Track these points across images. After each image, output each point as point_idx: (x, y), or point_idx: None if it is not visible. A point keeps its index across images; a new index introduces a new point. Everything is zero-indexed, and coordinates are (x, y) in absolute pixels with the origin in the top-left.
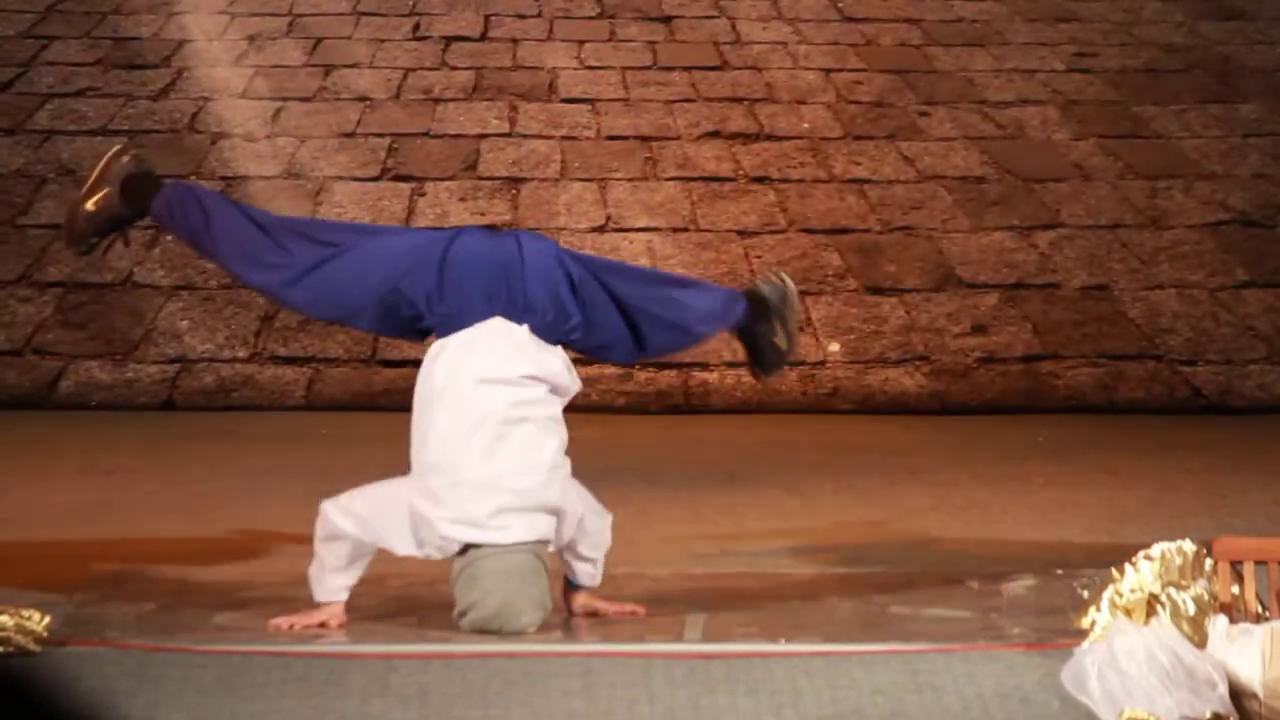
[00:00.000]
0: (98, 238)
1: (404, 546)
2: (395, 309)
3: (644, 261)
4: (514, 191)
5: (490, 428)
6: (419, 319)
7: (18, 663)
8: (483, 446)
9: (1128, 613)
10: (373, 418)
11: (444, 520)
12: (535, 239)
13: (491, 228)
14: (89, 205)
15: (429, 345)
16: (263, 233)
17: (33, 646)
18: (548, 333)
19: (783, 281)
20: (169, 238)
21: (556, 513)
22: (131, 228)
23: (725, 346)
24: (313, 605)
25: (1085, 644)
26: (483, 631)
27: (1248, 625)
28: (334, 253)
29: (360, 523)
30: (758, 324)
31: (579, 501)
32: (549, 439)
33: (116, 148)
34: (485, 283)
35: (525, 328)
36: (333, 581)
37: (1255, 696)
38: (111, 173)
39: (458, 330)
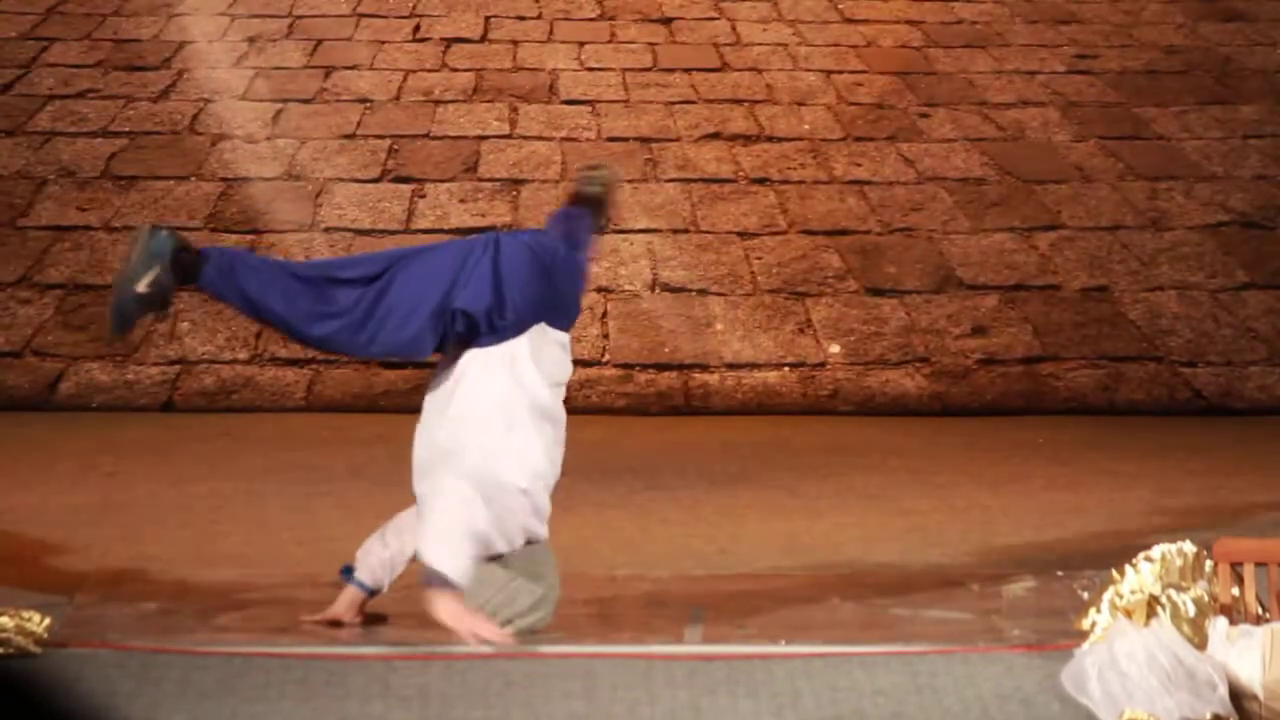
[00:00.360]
0: (144, 316)
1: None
2: (449, 328)
3: (644, 264)
4: (514, 193)
5: (560, 429)
6: (471, 334)
7: (18, 664)
8: (556, 448)
9: (1128, 614)
10: (373, 419)
11: (535, 522)
12: (548, 240)
13: (492, 229)
14: (141, 288)
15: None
16: (307, 286)
17: (33, 648)
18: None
19: (599, 170)
20: None
21: None
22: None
23: (725, 348)
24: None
25: (1085, 645)
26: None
27: (1248, 627)
28: (380, 289)
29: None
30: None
31: None
32: None
33: (149, 226)
34: (537, 293)
35: (562, 330)
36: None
37: (1255, 698)
38: (154, 249)
39: (508, 340)
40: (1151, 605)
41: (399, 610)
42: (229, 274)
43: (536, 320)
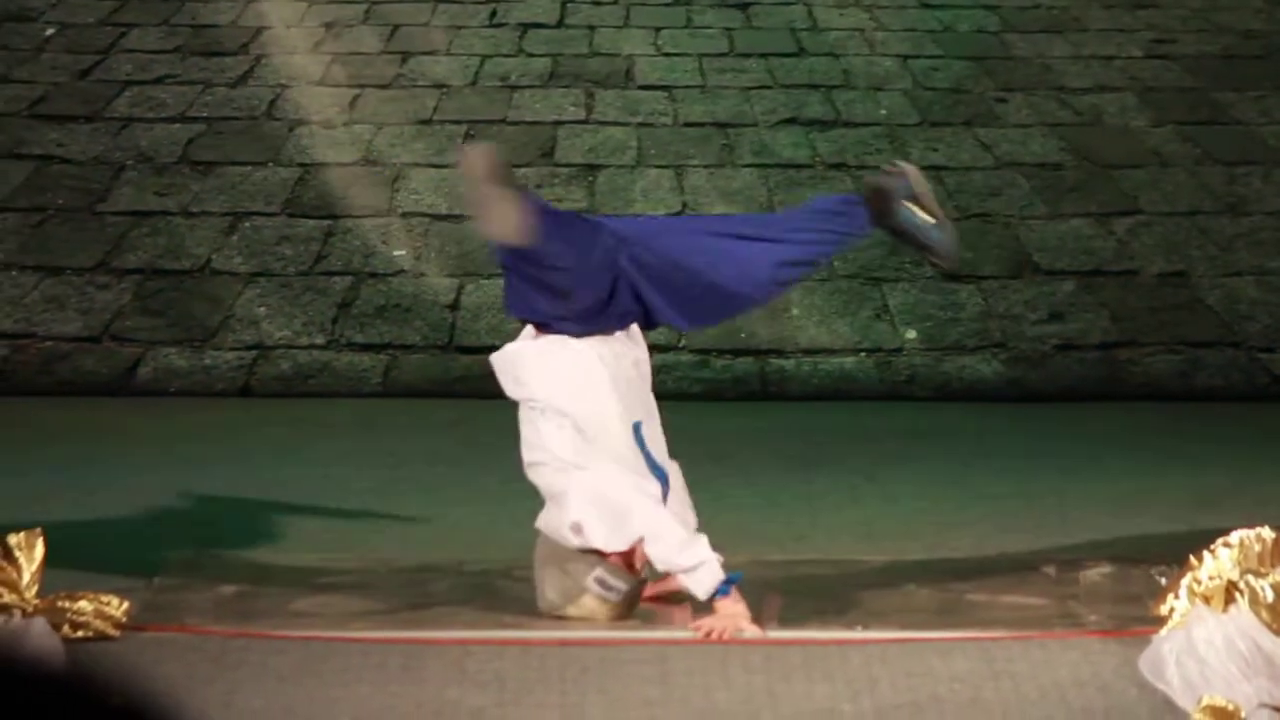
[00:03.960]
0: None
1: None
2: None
3: None
4: (590, 179)
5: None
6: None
7: (97, 648)
8: None
9: (1206, 600)
10: (449, 404)
11: None
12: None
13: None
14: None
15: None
16: None
17: (112, 631)
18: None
19: (898, 168)
20: (247, 224)
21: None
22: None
23: (801, 333)
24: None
25: (1163, 631)
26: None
27: None
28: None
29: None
30: (889, 219)
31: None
32: None
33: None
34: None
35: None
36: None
37: None
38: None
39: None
40: (1230, 591)
41: (475, 595)
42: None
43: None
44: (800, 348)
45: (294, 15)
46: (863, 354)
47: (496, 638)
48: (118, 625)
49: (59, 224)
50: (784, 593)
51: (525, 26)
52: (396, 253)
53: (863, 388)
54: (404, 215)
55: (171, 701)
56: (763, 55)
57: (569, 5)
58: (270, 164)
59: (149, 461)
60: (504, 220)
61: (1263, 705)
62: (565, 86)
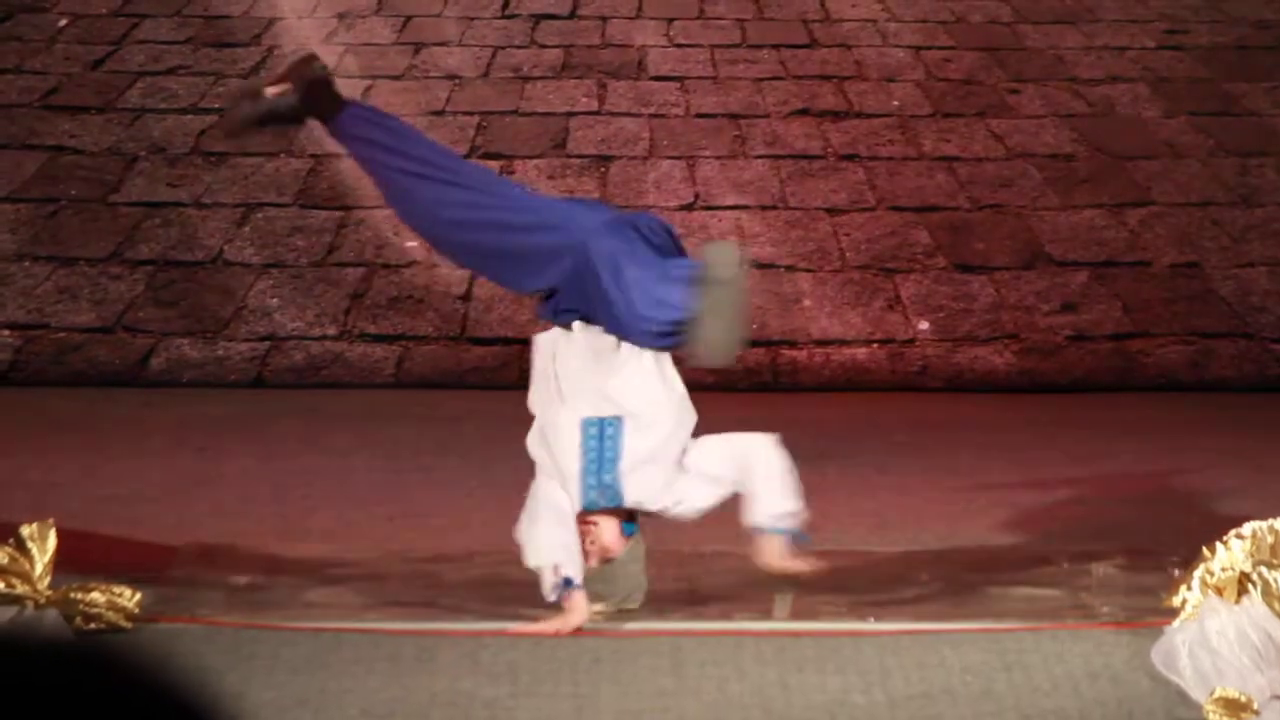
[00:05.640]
0: (255, 126)
1: None
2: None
3: (732, 239)
4: (603, 169)
5: None
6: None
7: (109, 639)
8: None
9: (1219, 591)
10: (461, 395)
11: None
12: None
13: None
14: (268, 92)
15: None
16: (442, 159)
17: (124, 623)
18: None
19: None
20: (260, 215)
21: None
22: (291, 127)
23: (813, 324)
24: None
25: (1176, 623)
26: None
27: None
28: (524, 229)
29: None
30: None
31: None
32: None
33: (307, 53)
34: None
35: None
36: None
37: None
38: (298, 73)
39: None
40: (1242, 582)
41: (487, 587)
42: (364, 127)
43: None
44: (812, 339)
45: (306, 6)
46: (875, 345)
47: (510, 629)
48: (130, 617)
49: (71, 215)
50: (796, 584)
51: (537, 17)
52: (409, 244)
53: (875, 379)
54: None
55: (183, 693)
56: (775, 46)
57: None
58: (283, 155)
59: (161, 452)
60: None
61: (1275, 697)
62: (578, 77)
